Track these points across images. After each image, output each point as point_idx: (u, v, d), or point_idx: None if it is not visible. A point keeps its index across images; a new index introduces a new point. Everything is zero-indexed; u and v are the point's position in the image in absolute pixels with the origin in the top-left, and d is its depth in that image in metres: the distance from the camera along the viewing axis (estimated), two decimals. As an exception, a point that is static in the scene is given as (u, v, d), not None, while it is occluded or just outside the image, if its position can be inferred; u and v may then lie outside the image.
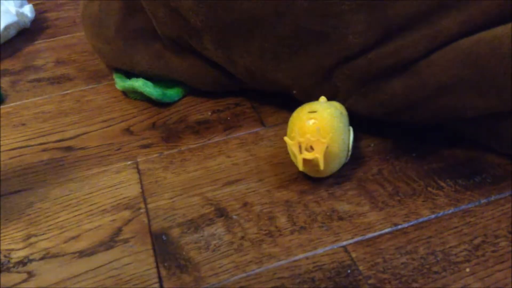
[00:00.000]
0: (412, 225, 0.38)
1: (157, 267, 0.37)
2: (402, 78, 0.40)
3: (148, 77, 0.54)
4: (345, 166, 0.43)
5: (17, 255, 0.38)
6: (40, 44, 0.68)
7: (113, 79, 0.58)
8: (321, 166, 0.39)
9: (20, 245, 0.39)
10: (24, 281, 0.36)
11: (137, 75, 0.55)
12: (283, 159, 0.45)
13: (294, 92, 0.47)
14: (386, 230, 0.38)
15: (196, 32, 0.47)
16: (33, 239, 0.40)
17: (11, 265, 0.38)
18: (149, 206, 0.42)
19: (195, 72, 0.52)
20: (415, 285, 0.34)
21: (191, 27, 0.47)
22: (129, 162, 0.47)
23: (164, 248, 0.38)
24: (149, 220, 0.41)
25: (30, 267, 0.37)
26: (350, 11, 0.40)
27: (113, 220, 0.41)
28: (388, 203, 0.40)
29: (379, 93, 0.42)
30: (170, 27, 0.49)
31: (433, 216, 0.38)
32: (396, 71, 0.40)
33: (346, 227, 0.38)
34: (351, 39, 0.40)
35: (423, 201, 0.40)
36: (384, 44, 0.40)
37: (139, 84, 0.53)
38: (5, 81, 0.60)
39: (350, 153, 0.43)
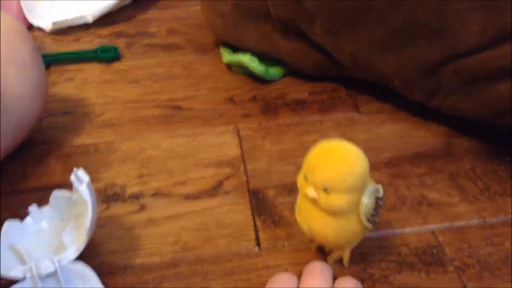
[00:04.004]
0: (500, 221, 0.39)
1: (254, 218, 0.40)
2: (510, 81, 0.41)
3: (253, 54, 0.58)
4: (438, 159, 0.45)
5: (131, 190, 0.43)
6: (152, 13, 0.74)
7: (218, 53, 0.63)
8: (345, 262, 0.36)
9: (134, 182, 0.44)
10: (137, 211, 0.41)
11: (243, 51, 0.59)
12: (377, 144, 0.47)
13: (396, 83, 0.49)
14: (474, 221, 0.39)
15: (308, 16, 0.50)
16: (145, 179, 0.44)
17: (126, 197, 0.43)
18: (248, 167, 0.46)
19: (299, 54, 0.55)
20: (497, 272, 0.35)
21: (304, 11, 0.50)
22: (230, 127, 0.51)
23: (260, 204, 0.42)
24: (247, 179, 0.44)
25: (142, 201, 0.42)
26: (468, 11, 0.41)
27: (216, 173, 0.45)
28: (478, 198, 0.41)
29: (484, 94, 0.43)
30: (284, 9, 0.52)
31: (522, 217, 0.40)
32: (504, 73, 0.42)
33: (435, 213, 0.40)
34: (464, 38, 0.42)
35: (513, 202, 0.41)
36: (496, 46, 0.41)
37: (245, 59, 0.57)
38: (121, 42, 0.66)
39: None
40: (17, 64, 0.43)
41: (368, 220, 0.32)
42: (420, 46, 0.45)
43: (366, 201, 0.32)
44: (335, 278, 0.33)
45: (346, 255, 0.36)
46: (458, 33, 0.42)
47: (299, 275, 0.34)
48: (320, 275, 0.33)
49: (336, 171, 0.31)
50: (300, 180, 0.33)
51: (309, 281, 0.32)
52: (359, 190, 0.32)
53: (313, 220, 0.33)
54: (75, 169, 0.35)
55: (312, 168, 0.32)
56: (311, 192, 0.31)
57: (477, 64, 0.42)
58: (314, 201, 0.32)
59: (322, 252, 0.37)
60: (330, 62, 0.54)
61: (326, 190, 0.31)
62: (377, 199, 0.33)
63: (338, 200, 0.31)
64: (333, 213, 0.32)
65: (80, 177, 0.34)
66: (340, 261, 0.36)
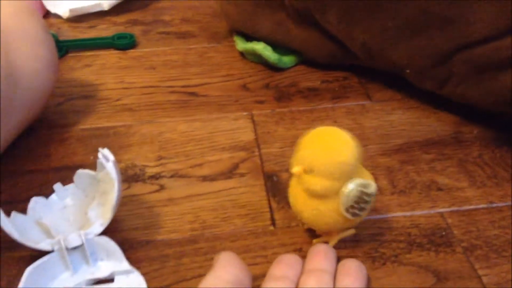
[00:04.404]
0: (507, 205, 0.41)
1: (269, 200, 0.42)
2: (519, 71, 0.43)
3: (267, 43, 0.59)
4: (448, 146, 0.47)
5: (150, 171, 0.45)
6: (166, 2, 0.75)
7: (232, 41, 0.64)
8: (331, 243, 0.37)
9: (153, 164, 0.46)
10: (157, 191, 0.43)
11: (257, 39, 0.60)
12: (388, 131, 0.49)
13: (407, 71, 0.50)
14: (482, 206, 0.41)
15: (323, 5, 0.52)
16: (163, 161, 0.46)
17: (145, 177, 0.44)
18: (262, 151, 0.47)
19: (312, 43, 0.57)
20: (504, 254, 0.37)
21: (319, 0, 0.51)
22: (245, 113, 0.52)
23: (275, 186, 0.43)
24: (262, 162, 0.46)
25: (162, 181, 0.44)
26: (479, 0, 0.42)
27: (231, 157, 0.46)
28: (486, 184, 0.43)
29: (493, 83, 0.44)
30: (299, -2, 0.54)
31: (529, 202, 0.41)
32: (514, 63, 0.43)
33: (444, 197, 0.42)
34: (476, 27, 0.43)
35: (520, 188, 0.42)
36: (507, 35, 0.42)
37: (259, 47, 0.58)
38: (137, 29, 0.68)
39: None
40: (28, 40, 0.44)
41: (347, 210, 0.33)
42: (432, 35, 0.46)
43: (347, 191, 0.33)
44: (339, 260, 0.34)
45: (332, 241, 0.37)
46: (470, 23, 0.43)
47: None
48: (324, 256, 0.34)
49: (318, 155, 0.32)
50: (292, 158, 0.34)
51: (313, 263, 0.33)
52: (339, 178, 0.32)
53: (296, 197, 0.35)
54: (100, 148, 0.36)
55: (302, 148, 0.33)
56: (295, 169, 0.33)
57: (488, 54, 0.43)
58: (297, 178, 0.34)
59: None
60: (343, 51, 0.55)
61: (308, 171, 0.32)
62: (364, 193, 0.33)
63: (315, 183, 0.32)
64: (310, 194, 0.33)
65: (107, 156, 0.35)
66: (352, 240, 0.38)
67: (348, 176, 0.33)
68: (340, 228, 0.36)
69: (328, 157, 0.32)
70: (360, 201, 0.33)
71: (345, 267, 0.33)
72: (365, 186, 0.33)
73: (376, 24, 0.49)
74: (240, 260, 0.31)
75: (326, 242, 0.37)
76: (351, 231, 0.38)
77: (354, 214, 0.34)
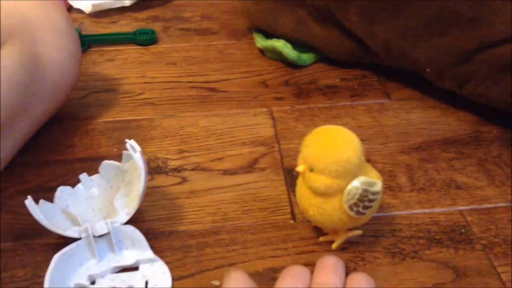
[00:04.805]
0: (527, 205, 0.41)
1: (288, 194, 0.43)
2: (541, 71, 0.43)
3: (287, 40, 0.60)
4: (467, 145, 0.47)
5: (172, 164, 0.46)
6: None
7: (251, 38, 0.64)
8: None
9: (175, 157, 0.47)
10: (179, 183, 0.44)
11: (277, 37, 0.61)
12: (407, 129, 0.49)
13: (427, 70, 0.50)
14: (501, 204, 0.41)
15: (344, 3, 0.52)
16: (185, 154, 0.47)
17: (168, 170, 0.45)
18: (282, 146, 0.48)
19: (332, 41, 0.57)
20: (525, 253, 0.37)
21: (341, -2, 0.52)
22: (264, 109, 0.53)
23: (294, 181, 0.43)
24: (281, 157, 0.46)
25: (183, 174, 0.45)
26: (501, 0, 0.42)
27: (251, 151, 0.47)
28: (505, 183, 0.43)
29: (514, 82, 0.45)
30: (320, -4, 0.54)
31: (548, 202, 0.41)
32: (536, 63, 0.43)
33: (463, 195, 0.42)
34: (497, 27, 0.43)
35: (540, 188, 0.42)
36: (529, 36, 0.42)
37: (279, 44, 0.59)
38: (158, 25, 0.69)
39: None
40: (53, 31, 0.45)
41: (351, 208, 0.33)
42: (453, 35, 0.46)
43: (350, 189, 0.33)
44: (347, 273, 0.33)
45: (338, 240, 0.37)
46: (491, 23, 0.44)
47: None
48: (333, 270, 0.33)
49: (321, 153, 0.33)
50: (298, 157, 0.35)
51: (322, 276, 0.32)
52: (342, 176, 0.32)
53: (302, 194, 0.35)
54: (127, 140, 0.37)
55: (305, 146, 0.34)
56: (299, 167, 0.33)
57: (509, 54, 0.44)
58: (302, 176, 0.34)
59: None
60: (362, 50, 0.56)
61: (312, 169, 0.33)
62: (367, 191, 0.33)
63: (317, 181, 0.33)
64: (314, 192, 0.34)
65: (134, 146, 0.36)
66: (371, 235, 0.38)
67: (352, 174, 0.33)
68: (346, 226, 0.36)
69: (331, 155, 0.32)
70: (364, 200, 0.33)
71: (354, 281, 0.32)
72: (369, 184, 0.33)
73: (398, 23, 0.49)
74: (250, 278, 0.31)
75: (333, 241, 0.37)
76: (358, 232, 0.38)
77: (358, 213, 0.33)
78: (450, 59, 0.48)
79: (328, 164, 0.32)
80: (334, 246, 0.37)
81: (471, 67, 0.47)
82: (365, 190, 0.33)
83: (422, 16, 0.47)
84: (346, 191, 0.33)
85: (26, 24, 0.42)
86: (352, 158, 0.32)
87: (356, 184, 0.33)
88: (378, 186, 0.34)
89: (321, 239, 0.38)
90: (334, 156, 0.32)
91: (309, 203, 0.35)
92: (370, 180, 0.33)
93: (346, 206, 0.33)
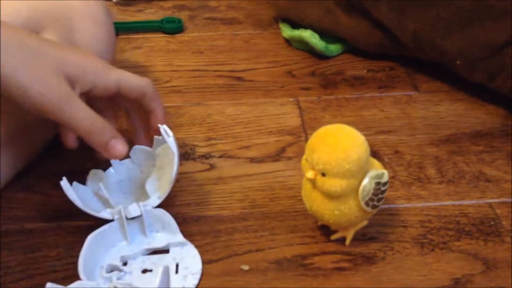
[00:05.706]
0: (559, 200, 0.40)
1: (316, 184, 0.43)
2: None
3: (314, 30, 0.60)
4: (496, 139, 0.46)
5: (200, 150, 0.46)
6: (212, -11, 0.77)
7: (277, 28, 0.64)
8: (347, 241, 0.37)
9: (203, 144, 0.47)
10: (207, 170, 0.44)
11: (304, 27, 0.60)
12: (436, 122, 0.49)
13: (458, 62, 0.50)
14: (532, 198, 0.41)
15: (374, -6, 0.52)
16: (212, 141, 0.47)
17: (196, 156, 0.45)
18: (309, 136, 0.48)
19: (360, 32, 0.57)
20: (556, 248, 0.37)
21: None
22: (291, 99, 0.53)
23: (322, 171, 0.44)
24: (309, 147, 0.46)
25: (211, 161, 0.45)
26: (538, -8, 0.42)
27: (278, 140, 0.47)
28: (536, 177, 0.42)
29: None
30: (349, -14, 0.54)
31: None
32: None
33: (493, 188, 0.42)
34: (532, 19, 0.43)
35: None
36: None
37: (307, 34, 0.58)
38: (184, 14, 0.69)
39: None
40: (90, 19, 0.45)
41: (367, 204, 0.33)
42: (485, 27, 0.46)
43: (364, 185, 0.33)
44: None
45: (349, 236, 0.37)
46: (526, 15, 0.43)
47: None
48: None
49: (331, 156, 0.32)
50: (303, 162, 0.34)
51: None
52: (356, 175, 0.32)
53: (313, 200, 0.35)
54: (159, 125, 0.38)
55: (312, 151, 0.33)
56: (309, 174, 0.33)
57: (544, 46, 0.43)
58: (313, 183, 0.33)
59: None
60: (391, 41, 0.55)
61: (323, 174, 0.32)
62: (379, 184, 0.33)
63: (333, 184, 0.32)
64: (329, 196, 0.33)
65: (167, 131, 0.37)
66: (400, 226, 0.38)
67: (363, 171, 0.33)
68: (360, 221, 0.36)
69: (342, 157, 0.32)
70: (378, 193, 0.33)
71: None
72: (379, 176, 0.33)
73: (429, 14, 0.49)
74: None
75: (344, 237, 0.37)
76: (364, 222, 0.38)
77: (374, 207, 0.34)
78: (482, 51, 0.47)
79: (341, 166, 0.32)
80: (347, 242, 0.37)
81: (503, 59, 0.46)
82: (377, 183, 0.33)
83: (453, 7, 0.47)
84: (361, 189, 0.33)
85: (66, 12, 0.43)
86: (362, 155, 0.33)
87: (368, 179, 0.33)
88: (386, 175, 0.34)
89: (333, 237, 0.38)
90: (346, 158, 0.32)
91: (323, 208, 0.34)
92: (378, 172, 0.34)
93: (363, 203, 0.33)
